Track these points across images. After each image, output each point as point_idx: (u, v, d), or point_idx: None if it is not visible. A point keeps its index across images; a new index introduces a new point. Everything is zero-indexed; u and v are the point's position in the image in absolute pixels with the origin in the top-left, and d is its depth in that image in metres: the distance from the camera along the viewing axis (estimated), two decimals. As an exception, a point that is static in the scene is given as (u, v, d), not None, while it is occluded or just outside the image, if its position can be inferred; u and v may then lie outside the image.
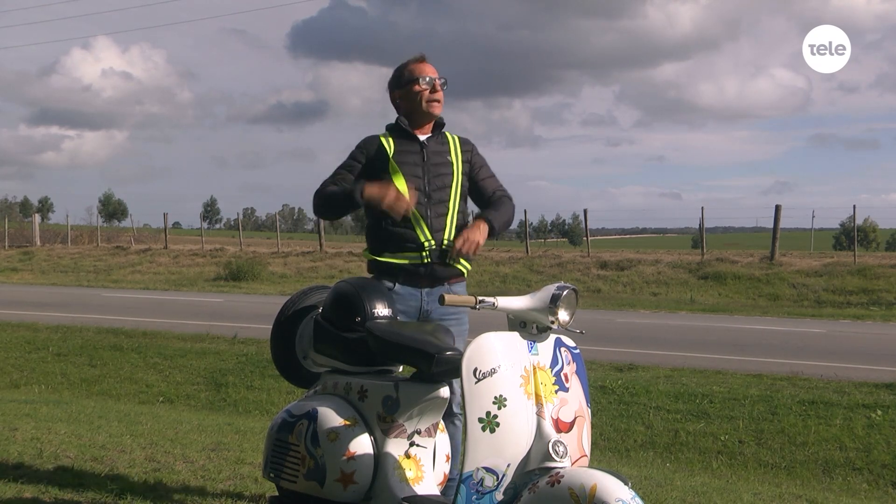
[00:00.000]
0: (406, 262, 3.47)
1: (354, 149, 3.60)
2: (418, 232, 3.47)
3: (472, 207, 3.76)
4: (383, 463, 2.99)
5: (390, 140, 3.58)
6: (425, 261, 3.47)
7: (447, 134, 3.67)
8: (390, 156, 3.53)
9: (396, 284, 3.48)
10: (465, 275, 3.64)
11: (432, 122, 3.64)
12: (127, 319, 13.58)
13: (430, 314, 3.51)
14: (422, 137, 3.60)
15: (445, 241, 3.50)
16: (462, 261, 3.54)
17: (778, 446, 6.92)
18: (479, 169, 3.68)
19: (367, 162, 3.56)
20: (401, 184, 3.44)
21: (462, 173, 3.61)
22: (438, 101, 3.59)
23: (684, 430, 7.24)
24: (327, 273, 23.30)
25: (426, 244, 3.47)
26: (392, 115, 3.70)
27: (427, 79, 3.57)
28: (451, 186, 3.56)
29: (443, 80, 3.61)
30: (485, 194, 3.67)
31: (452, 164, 3.59)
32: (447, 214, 3.54)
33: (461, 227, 3.54)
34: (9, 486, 4.15)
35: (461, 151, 3.65)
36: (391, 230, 3.48)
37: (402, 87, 3.61)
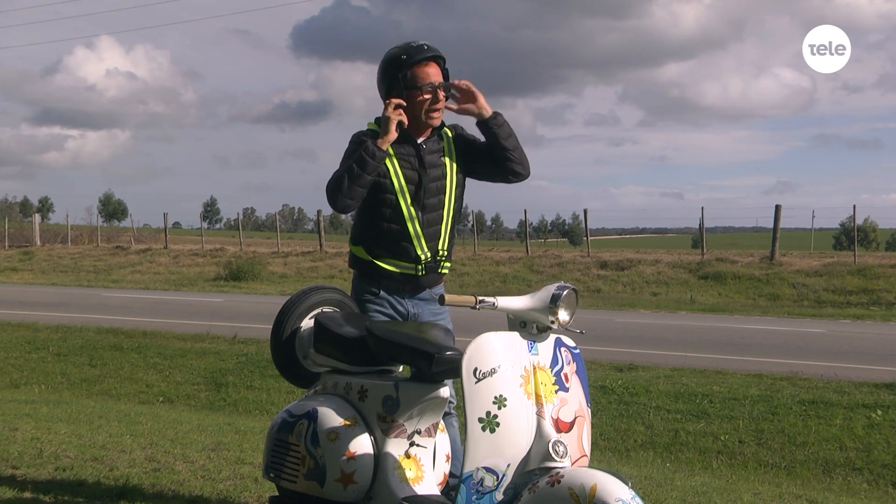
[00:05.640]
0: (399, 271, 3.40)
1: (353, 143, 3.40)
2: (415, 244, 3.38)
3: (473, 207, 3.64)
4: (383, 463, 2.99)
5: None
6: (419, 273, 3.41)
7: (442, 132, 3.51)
8: (391, 153, 3.37)
9: (381, 291, 3.42)
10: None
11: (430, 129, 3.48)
12: (127, 319, 13.59)
13: (418, 318, 3.46)
14: (419, 140, 3.43)
15: (440, 252, 3.45)
16: (444, 263, 3.47)
17: (778, 446, 6.92)
18: (474, 140, 3.51)
19: None
20: (397, 181, 3.36)
21: (457, 173, 3.47)
22: (438, 111, 3.40)
23: (684, 430, 7.24)
24: (327, 273, 23.31)
25: (422, 257, 3.40)
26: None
27: (429, 86, 3.35)
28: (444, 193, 3.44)
29: (445, 85, 3.39)
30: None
31: (446, 165, 3.44)
32: (441, 223, 3.45)
33: (454, 237, 3.51)
34: (9, 486, 4.15)
35: (454, 146, 3.49)
36: (388, 236, 3.38)
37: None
